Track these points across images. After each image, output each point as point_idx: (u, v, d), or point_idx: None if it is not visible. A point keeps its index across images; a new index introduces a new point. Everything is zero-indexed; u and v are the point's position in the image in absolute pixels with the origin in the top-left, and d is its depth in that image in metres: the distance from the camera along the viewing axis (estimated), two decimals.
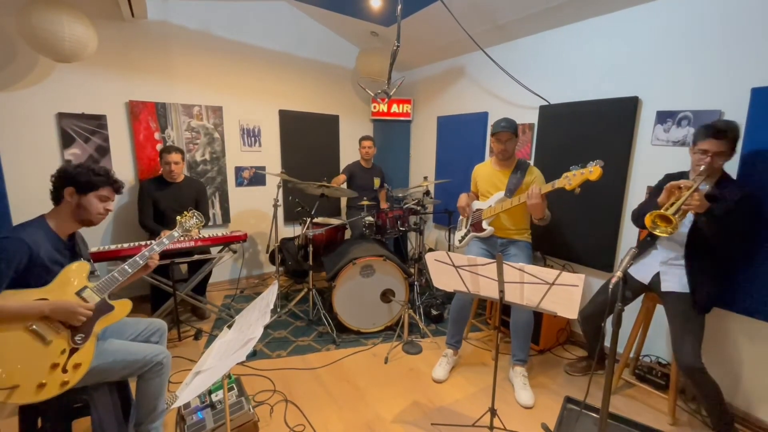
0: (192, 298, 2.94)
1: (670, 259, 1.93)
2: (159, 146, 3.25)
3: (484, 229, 2.42)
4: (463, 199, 2.55)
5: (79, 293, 1.47)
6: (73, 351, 1.41)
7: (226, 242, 2.89)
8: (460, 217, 2.65)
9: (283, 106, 3.93)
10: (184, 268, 3.31)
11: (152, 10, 3.04)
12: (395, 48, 2.36)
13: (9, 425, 1.87)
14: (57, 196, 1.51)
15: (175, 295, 2.70)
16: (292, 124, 3.99)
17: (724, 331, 2.06)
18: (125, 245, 2.52)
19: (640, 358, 2.35)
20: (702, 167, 1.71)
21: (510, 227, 2.42)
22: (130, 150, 3.20)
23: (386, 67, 2.66)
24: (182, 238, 1.89)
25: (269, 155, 3.93)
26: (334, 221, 3.53)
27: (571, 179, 1.92)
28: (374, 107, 4.43)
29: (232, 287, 3.77)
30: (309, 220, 3.00)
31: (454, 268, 1.72)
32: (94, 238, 3.13)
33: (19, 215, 2.76)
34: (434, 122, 4.13)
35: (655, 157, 2.29)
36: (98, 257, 2.39)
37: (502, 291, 1.62)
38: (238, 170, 3.76)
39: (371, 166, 3.94)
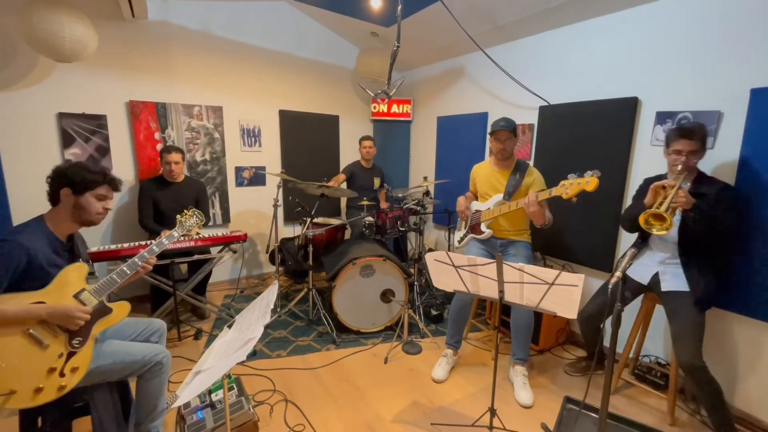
0: (192, 297, 2.94)
1: (667, 258, 1.96)
2: (159, 146, 3.26)
3: (483, 232, 2.42)
4: (461, 203, 2.55)
5: (76, 296, 1.44)
6: (70, 355, 1.39)
7: (226, 242, 2.89)
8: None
9: (284, 106, 3.93)
10: (184, 268, 3.31)
11: (152, 10, 3.05)
12: (395, 48, 2.37)
13: (9, 425, 1.87)
14: (54, 198, 1.49)
15: (175, 295, 2.70)
16: (293, 124, 3.99)
17: (724, 331, 2.06)
18: (125, 245, 2.52)
19: (640, 358, 2.35)
20: (679, 167, 1.80)
21: (509, 229, 2.43)
22: (131, 150, 3.20)
23: (386, 67, 2.67)
24: (182, 238, 1.89)
25: (269, 155, 3.94)
26: (334, 221, 3.53)
27: (568, 188, 1.91)
28: (374, 107, 4.43)
29: (232, 287, 3.77)
30: (309, 220, 3.01)
31: (454, 268, 1.72)
32: (94, 238, 3.13)
33: (19, 215, 2.76)
34: (434, 122, 4.13)
35: (655, 158, 2.29)
36: (97, 257, 2.39)
37: (501, 291, 1.63)
38: (238, 170, 3.76)
39: (371, 167, 3.94)
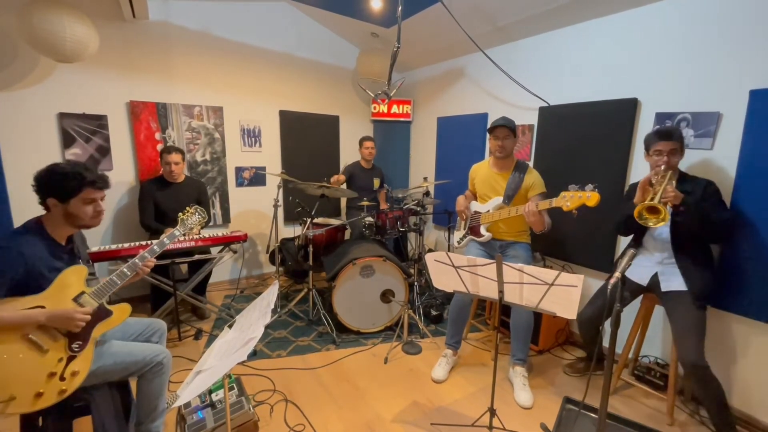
0: (192, 298, 2.94)
1: (665, 259, 1.98)
2: (160, 146, 3.26)
3: (483, 235, 2.43)
4: (461, 202, 2.55)
5: (76, 299, 1.42)
6: (70, 359, 1.38)
7: (226, 242, 2.89)
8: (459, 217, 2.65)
9: (284, 106, 3.93)
10: (184, 268, 3.31)
11: (153, 11, 3.05)
12: (395, 49, 2.37)
13: (10, 424, 1.88)
14: (45, 206, 1.45)
15: (176, 295, 2.71)
16: (293, 125, 4.00)
17: (724, 332, 2.07)
18: (125, 245, 2.52)
19: (639, 358, 2.36)
20: (662, 166, 1.87)
21: (508, 231, 2.43)
22: (131, 150, 3.21)
23: (386, 67, 2.67)
24: (183, 238, 1.87)
25: (269, 155, 3.94)
26: (334, 221, 3.54)
27: (569, 200, 1.91)
28: (374, 108, 4.43)
29: (232, 287, 3.78)
30: (309, 220, 3.01)
31: (454, 269, 1.72)
32: (94, 238, 3.13)
33: (20, 215, 2.77)
34: (434, 123, 4.14)
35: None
36: (98, 257, 2.40)
37: (501, 291, 1.63)
38: (239, 170, 3.77)
39: (371, 167, 3.95)
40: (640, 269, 2.05)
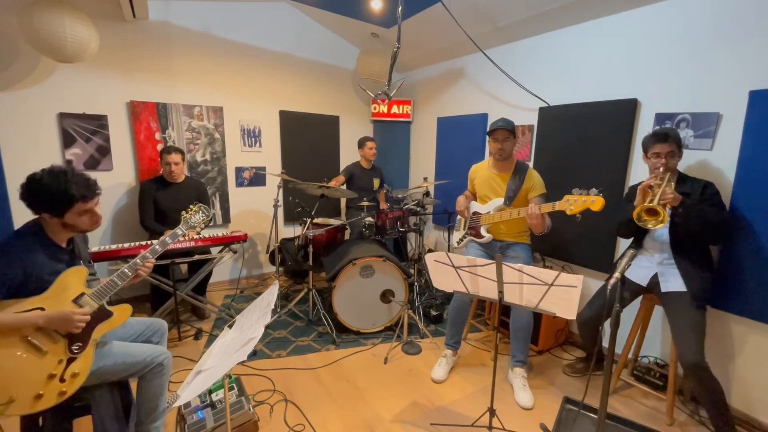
0: (192, 298, 2.94)
1: (664, 260, 1.98)
2: (160, 146, 3.26)
3: (483, 236, 2.43)
4: (461, 202, 2.55)
5: (76, 300, 1.42)
6: (70, 360, 1.37)
7: (226, 242, 2.89)
8: (458, 217, 2.65)
9: (284, 106, 3.94)
10: (184, 268, 3.31)
11: (153, 11, 3.05)
12: (396, 49, 2.38)
13: (10, 424, 1.88)
14: (41, 217, 1.43)
15: (176, 295, 2.71)
16: (293, 125, 4.00)
17: (724, 332, 2.07)
18: (125, 245, 2.53)
19: (639, 358, 2.36)
20: (661, 168, 1.87)
21: (508, 232, 2.43)
22: (131, 150, 3.21)
23: (386, 68, 2.68)
24: (183, 237, 1.86)
25: (269, 156, 3.94)
26: (334, 222, 3.54)
27: (573, 204, 1.90)
28: (374, 108, 4.43)
29: (232, 287, 3.78)
30: (309, 220, 3.01)
31: (454, 269, 1.72)
32: (94, 238, 3.13)
33: (20, 215, 2.76)
34: (434, 123, 4.14)
35: None
36: (98, 257, 2.40)
37: (501, 292, 1.63)
38: (239, 170, 3.77)
39: (371, 167, 3.95)
40: (640, 270, 2.05)
